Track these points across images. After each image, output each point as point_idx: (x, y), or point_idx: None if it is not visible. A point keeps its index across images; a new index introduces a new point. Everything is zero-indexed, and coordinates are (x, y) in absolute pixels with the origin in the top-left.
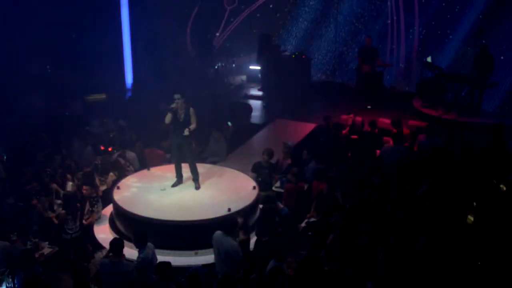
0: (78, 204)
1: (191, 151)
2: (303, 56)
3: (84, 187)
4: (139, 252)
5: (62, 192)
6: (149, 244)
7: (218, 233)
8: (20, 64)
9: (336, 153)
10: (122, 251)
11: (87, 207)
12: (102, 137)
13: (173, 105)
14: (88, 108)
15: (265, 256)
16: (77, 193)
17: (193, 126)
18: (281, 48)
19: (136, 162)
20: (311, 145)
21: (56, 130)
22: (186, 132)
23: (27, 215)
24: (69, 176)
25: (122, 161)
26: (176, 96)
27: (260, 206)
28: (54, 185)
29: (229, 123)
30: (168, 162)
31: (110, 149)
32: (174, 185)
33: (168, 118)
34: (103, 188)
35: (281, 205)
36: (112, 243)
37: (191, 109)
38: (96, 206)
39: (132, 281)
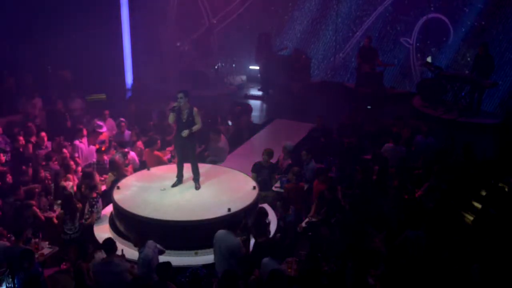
0: (79, 205)
1: (194, 151)
2: (303, 56)
3: (83, 186)
4: (139, 252)
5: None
6: (149, 242)
7: (221, 231)
8: (21, 64)
9: (336, 153)
10: (114, 251)
11: (87, 207)
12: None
13: (175, 104)
14: (88, 108)
15: (263, 257)
16: (76, 193)
17: (196, 126)
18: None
19: (135, 162)
20: (311, 145)
21: (57, 129)
22: (185, 134)
23: (23, 215)
24: (69, 176)
25: (120, 160)
26: (179, 95)
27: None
28: (62, 183)
29: (230, 123)
30: (168, 162)
31: (103, 148)
32: (174, 185)
33: (171, 118)
34: (102, 188)
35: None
36: (104, 243)
37: (195, 109)
38: (96, 206)
39: (123, 281)
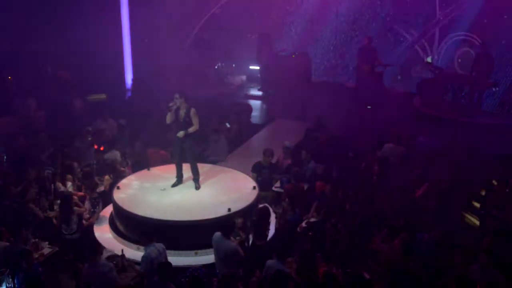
0: (81, 207)
1: (192, 151)
2: (306, 57)
3: (83, 187)
4: (145, 251)
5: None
6: (158, 244)
7: (217, 234)
8: (21, 64)
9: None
10: (99, 252)
11: (89, 207)
12: (103, 136)
13: (171, 104)
14: (88, 108)
15: (262, 258)
16: (77, 193)
17: (193, 127)
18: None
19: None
20: (310, 145)
21: (57, 130)
22: (180, 135)
23: (22, 215)
24: (69, 176)
25: (118, 158)
26: (176, 95)
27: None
28: (58, 184)
29: (228, 124)
30: (168, 162)
31: (102, 148)
32: (174, 185)
33: (168, 117)
34: (101, 189)
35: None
36: (88, 245)
37: (193, 110)
38: (98, 206)
39: (112, 280)
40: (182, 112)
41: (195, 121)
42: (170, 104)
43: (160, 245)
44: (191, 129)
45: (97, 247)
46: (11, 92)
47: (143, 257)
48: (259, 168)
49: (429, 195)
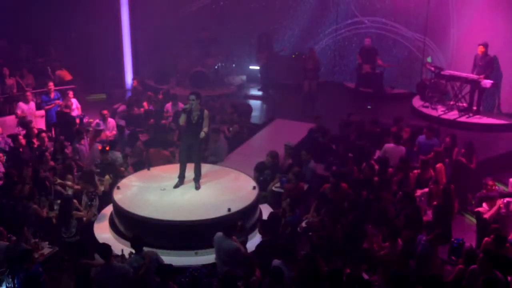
0: (80, 211)
1: (200, 152)
2: (303, 56)
3: (81, 184)
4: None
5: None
6: (148, 251)
7: (218, 234)
8: (22, 63)
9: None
10: (110, 254)
11: (85, 200)
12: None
13: (187, 106)
14: (88, 108)
15: (269, 255)
16: (73, 186)
17: (205, 129)
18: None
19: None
20: (310, 145)
21: (57, 129)
22: (203, 135)
23: (23, 215)
24: (69, 176)
25: (120, 160)
26: (191, 97)
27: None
28: (58, 187)
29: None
30: (170, 162)
31: (107, 148)
32: (176, 186)
33: (182, 119)
34: (101, 189)
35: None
36: (98, 249)
37: (206, 112)
38: (94, 200)
39: (129, 280)
40: (195, 114)
41: (207, 122)
42: (186, 106)
43: (149, 253)
44: (206, 130)
45: (108, 249)
46: (13, 91)
47: (127, 263)
48: (262, 168)
49: (430, 195)
